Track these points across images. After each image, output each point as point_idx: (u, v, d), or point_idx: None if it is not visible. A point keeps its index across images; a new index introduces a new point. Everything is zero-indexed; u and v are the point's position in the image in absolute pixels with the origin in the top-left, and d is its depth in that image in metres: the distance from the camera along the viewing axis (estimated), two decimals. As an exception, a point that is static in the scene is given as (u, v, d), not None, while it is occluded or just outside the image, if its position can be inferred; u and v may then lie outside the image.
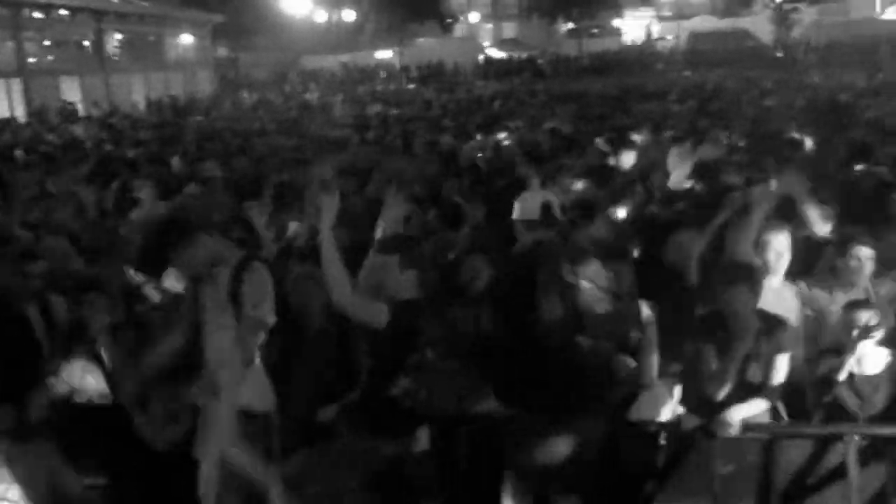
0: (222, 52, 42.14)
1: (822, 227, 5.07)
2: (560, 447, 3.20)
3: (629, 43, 47.37)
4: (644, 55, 41.90)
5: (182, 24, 36.90)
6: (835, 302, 4.42)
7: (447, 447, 3.39)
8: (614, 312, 3.15)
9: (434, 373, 3.40)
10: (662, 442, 3.72)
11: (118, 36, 33.20)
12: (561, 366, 3.12)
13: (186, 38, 37.37)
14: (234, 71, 41.15)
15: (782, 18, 41.29)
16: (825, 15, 44.48)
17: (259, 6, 38.08)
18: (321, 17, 44.72)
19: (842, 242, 4.58)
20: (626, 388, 3.82)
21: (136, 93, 31.02)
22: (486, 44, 49.37)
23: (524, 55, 43.25)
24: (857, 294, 4.40)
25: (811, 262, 4.82)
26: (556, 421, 3.18)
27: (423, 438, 3.15)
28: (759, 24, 42.90)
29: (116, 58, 32.79)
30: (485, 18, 54.43)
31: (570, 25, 46.48)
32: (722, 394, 3.81)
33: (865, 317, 3.89)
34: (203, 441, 3.44)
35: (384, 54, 44.69)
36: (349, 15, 45.54)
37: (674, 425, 3.81)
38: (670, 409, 3.95)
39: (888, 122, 11.83)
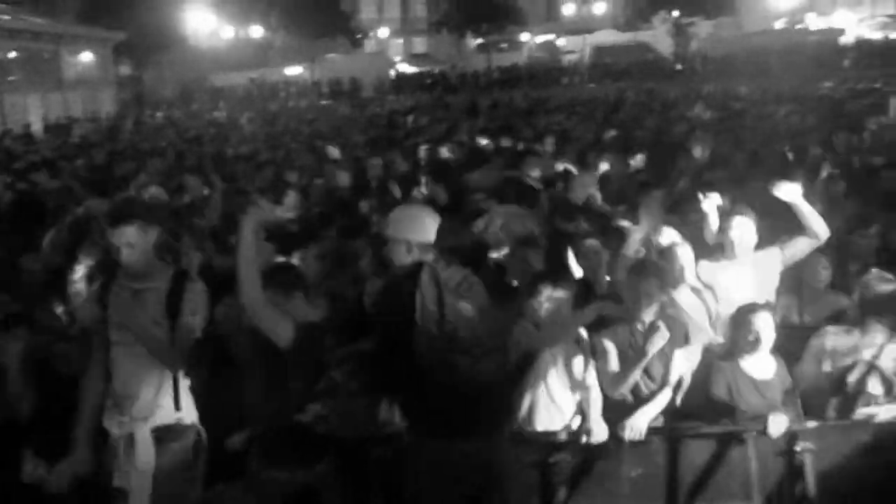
0: (125, 70, 40.81)
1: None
2: (458, 470, 3.22)
3: (537, 56, 48.44)
4: (551, 69, 42.92)
5: (81, 42, 35.53)
6: (724, 272, 4.70)
7: (358, 472, 3.38)
8: (494, 329, 3.18)
9: (343, 396, 3.38)
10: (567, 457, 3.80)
11: (11, 54, 31.70)
12: (440, 387, 3.16)
13: (86, 56, 36.01)
14: (138, 89, 39.90)
15: (680, 32, 43.02)
16: (720, 28, 46.61)
17: (163, 23, 37.05)
18: (228, 33, 43.94)
19: (725, 216, 4.87)
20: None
21: (33, 113, 29.67)
22: (396, 59, 49.53)
23: (435, 69, 43.70)
24: (741, 265, 4.64)
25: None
26: (450, 443, 3.20)
27: (333, 464, 3.12)
28: (659, 38, 44.60)
29: (10, 77, 31.29)
30: (395, 34, 54.65)
31: (480, 40, 47.19)
32: (623, 394, 3.95)
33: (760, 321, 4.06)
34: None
35: (294, 70, 44.23)
36: (257, 31, 44.89)
37: (582, 433, 3.89)
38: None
39: (780, 127, 12.53)
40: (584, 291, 4.62)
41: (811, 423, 3.96)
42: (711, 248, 4.94)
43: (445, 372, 3.12)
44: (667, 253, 4.66)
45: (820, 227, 4.69)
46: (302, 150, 12.83)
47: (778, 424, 3.81)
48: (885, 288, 4.29)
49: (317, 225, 6.19)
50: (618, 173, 8.44)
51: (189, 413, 3.61)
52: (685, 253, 4.69)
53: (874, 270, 4.56)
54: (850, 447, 3.88)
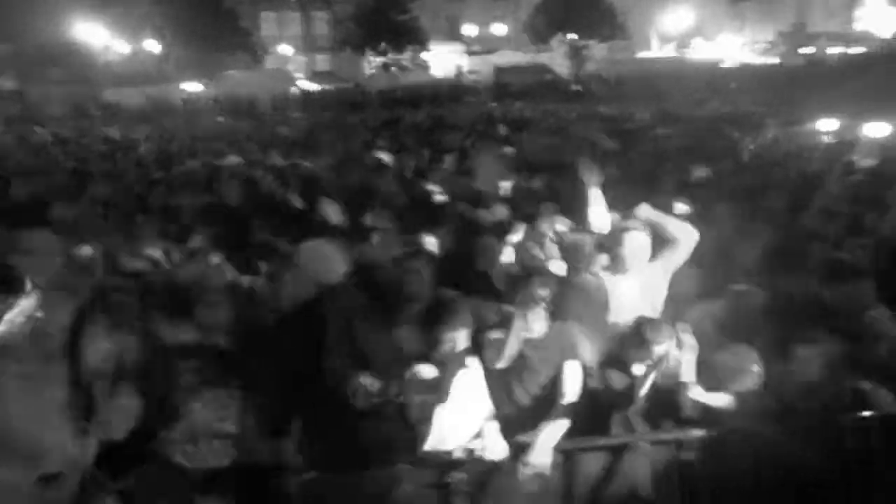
0: (8, 84, 38.79)
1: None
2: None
3: (440, 76, 49.05)
4: (454, 88, 43.53)
5: (-42, 54, 33.65)
6: (617, 285, 4.86)
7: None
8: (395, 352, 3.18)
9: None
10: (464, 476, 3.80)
11: None
12: (345, 416, 3.12)
13: (-37, 70, 34.08)
14: (20, 105, 37.94)
15: (576, 54, 44.51)
16: (614, 51, 48.50)
17: (49, 36, 35.45)
18: (122, 48, 42.47)
19: (618, 231, 5.04)
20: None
21: None
22: (298, 76, 49.07)
23: (338, 87, 43.58)
24: (633, 278, 4.82)
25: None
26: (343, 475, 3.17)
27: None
28: (557, 60, 46.01)
29: None
30: (297, 51, 54.21)
31: (383, 59, 47.39)
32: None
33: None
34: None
35: (192, 87, 43.12)
36: (152, 46, 43.57)
37: (478, 451, 3.91)
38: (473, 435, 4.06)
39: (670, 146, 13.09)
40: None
41: (697, 432, 4.10)
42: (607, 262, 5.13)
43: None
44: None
45: (688, 234, 4.92)
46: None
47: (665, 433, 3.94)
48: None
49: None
50: (519, 190, 8.65)
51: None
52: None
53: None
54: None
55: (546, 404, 4.12)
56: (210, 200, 8.11)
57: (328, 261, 3.45)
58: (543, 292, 4.25)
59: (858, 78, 13.93)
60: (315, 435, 3.19)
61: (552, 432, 3.92)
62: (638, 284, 4.88)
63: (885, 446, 3.64)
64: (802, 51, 48.97)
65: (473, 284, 5.28)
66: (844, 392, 3.95)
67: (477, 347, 4.15)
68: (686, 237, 4.91)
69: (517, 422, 4.08)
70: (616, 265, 4.92)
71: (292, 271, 3.51)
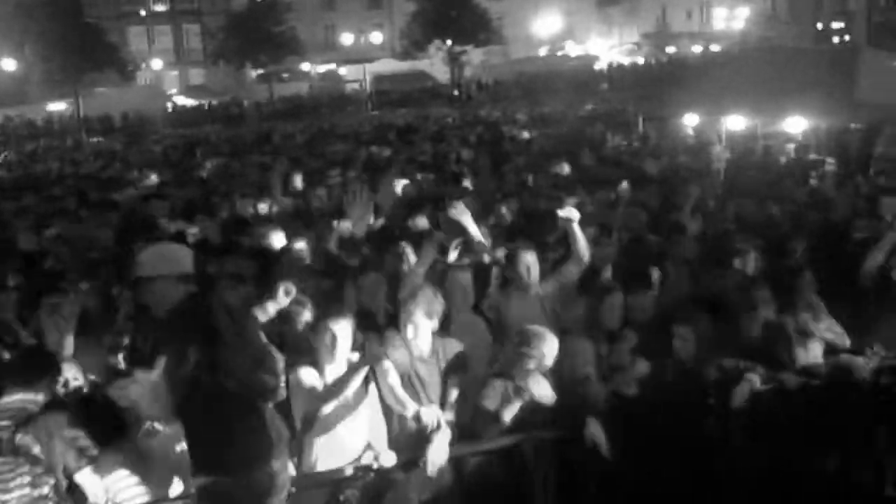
0: None
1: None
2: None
3: (319, 86, 48.63)
4: (334, 98, 43.26)
5: None
6: (513, 302, 4.97)
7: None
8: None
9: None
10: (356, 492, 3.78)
11: None
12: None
13: None
14: None
15: (454, 60, 45.10)
16: (490, 56, 49.46)
17: None
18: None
19: (510, 255, 5.16)
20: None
21: None
22: (172, 91, 47.43)
23: (214, 101, 42.38)
24: (528, 295, 4.93)
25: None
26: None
27: None
28: (436, 66, 46.48)
29: None
30: (168, 65, 52.32)
31: (260, 71, 46.43)
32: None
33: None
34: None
35: (57, 106, 40.84)
36: (9, 64, 40.99)
37: (370, 465, 3.89)
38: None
39: (547, 147, 13.49)
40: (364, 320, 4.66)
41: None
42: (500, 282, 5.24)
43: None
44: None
45: (586, 253, 5.10)
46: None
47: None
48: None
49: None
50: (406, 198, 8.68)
51: None
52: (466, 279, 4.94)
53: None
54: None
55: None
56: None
57: (174, 254, 3.36)
58: (430, 308, 4.27)
59: (718, 74, 14.77)
60: (200, 439, 3.13)
61: (442, 442, 3.93)
62: (536, 302, 5.01)
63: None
64: (667, 50, 51.63)
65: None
66: (715, 370, 4.19)
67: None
68: (584, 255, 5.10)
69: (406, 435, 4.09)
70: (513, 284, 5.05)
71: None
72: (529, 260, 5.02)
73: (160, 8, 52.21)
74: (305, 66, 50.11)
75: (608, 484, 3.91)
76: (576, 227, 5.05)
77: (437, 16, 43.35)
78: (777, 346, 4.31)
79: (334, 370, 3.95)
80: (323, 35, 53.16)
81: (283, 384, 3.19)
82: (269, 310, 3.54)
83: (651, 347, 4.43)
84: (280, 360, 3.14)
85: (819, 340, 4.57)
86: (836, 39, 31.49)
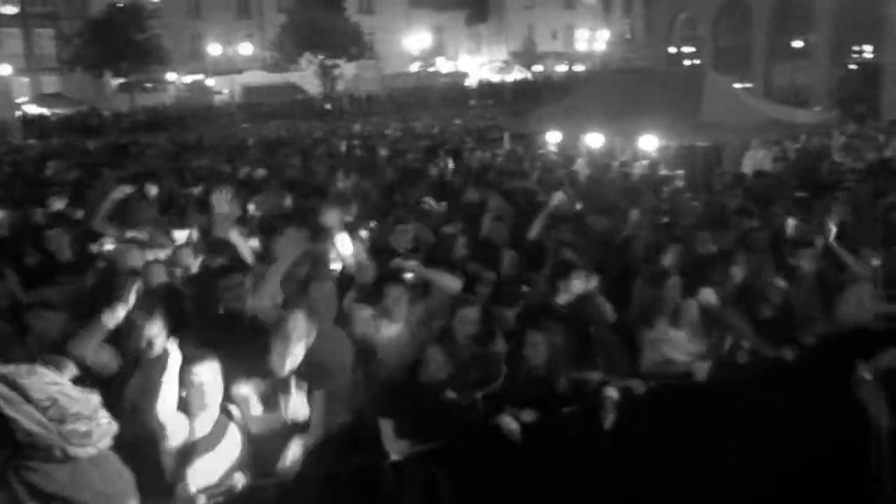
0: None
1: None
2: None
3: (185, 97, 47.07)
4: (201, 109, 41.95)
5: None
6: (384, 331, 5.05)
7: None
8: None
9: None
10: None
11: None
12: None
13: None
14: None
15: (326, 73, 44.85)
16: (363, 70, 49.56)
17: None
18: None
19: (382, 283, 5.25)
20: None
21: None
22: (22, 99, 44.50)
23: (70, 111, 40.08)
24: (397, 324, 5.01)
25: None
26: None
27: None
28: (308, 79, 46.05)
29: None
30: (18, 71, 48.99)
31: (121, 79, 44.30)
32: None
33: None
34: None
35: None
36: None
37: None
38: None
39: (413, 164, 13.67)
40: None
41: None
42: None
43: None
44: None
45: (452, 283, 5.28)
46: None
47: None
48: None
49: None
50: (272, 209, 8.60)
51: None
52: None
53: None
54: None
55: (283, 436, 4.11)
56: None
57: None
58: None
59: (580, 93, 15.51)
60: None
61: (296, 447, 3.92)
62: (405, 328, 5.08)
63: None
64: (534, 68, 53.51)
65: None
66: (563, 379, 4.39)
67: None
68: (452, 285, 5.25)
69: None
70: (384, 313, 5.10)
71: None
72: (398, 291, 5.10)
73: (9, 10, 48.83)
74: (171, 76, 48.32)
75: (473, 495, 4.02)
76: (427, 273, 5.32)
77: (308, 28, 42.99)
78: (614, 351, 4.60)
79: (206, 417, 3.82)
80: (189, 44, 51.38)
81: (99, 424, 2.97)
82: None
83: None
84: (84, 401, 2.87)
85: (671, 343, 4.92)
86: (687, 62, 33.59)
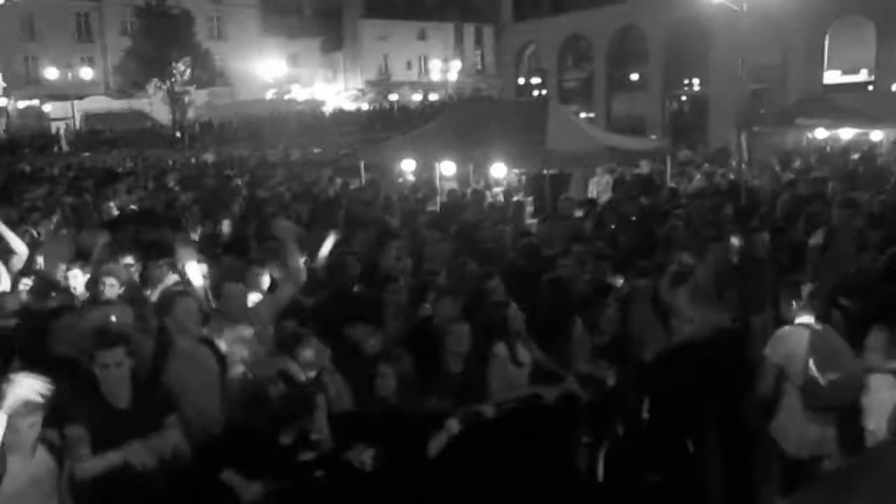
0: None
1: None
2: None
3: (19, 124, 43.98)
4: (36, 137, 39.28)
5: None
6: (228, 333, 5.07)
7: None
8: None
9: None
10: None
11: None
12: None
13: None
14: None
15: (176, 100, 43.25)
16: (215, 97, 48.22)
17: None
18: None
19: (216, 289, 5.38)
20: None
21: None
22: None
23: None
24: (242, 328, 4.97)
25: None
26: None
27: None
28: (156, 106, 44.22)
29: None
30: None
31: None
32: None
33: None
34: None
35: None
36: None
37: None
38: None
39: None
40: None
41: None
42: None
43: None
44: None
45: (300, 275, 5.46)
46: None
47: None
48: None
49: None
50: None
51: None
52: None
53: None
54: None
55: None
56: None
57: None
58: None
59: (434, 122, 15.82)
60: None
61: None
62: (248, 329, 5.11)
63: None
64: (390, 97, 54.09)
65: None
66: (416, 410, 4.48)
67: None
68: (297, 276, 5.46)
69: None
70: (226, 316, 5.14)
71: None
72: (234, 290, 5.22)
73: None
74: (1, 102, 45.00)
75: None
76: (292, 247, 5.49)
77: (155, 53, 41.36)
78: (477, 376, 4.72)
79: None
80: (23, 67, 48.05)
81: None
82: None
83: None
84: None
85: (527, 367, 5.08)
86: (535, 93, 35.14)
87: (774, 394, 4.52)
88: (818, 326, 4.51)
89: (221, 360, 4.72)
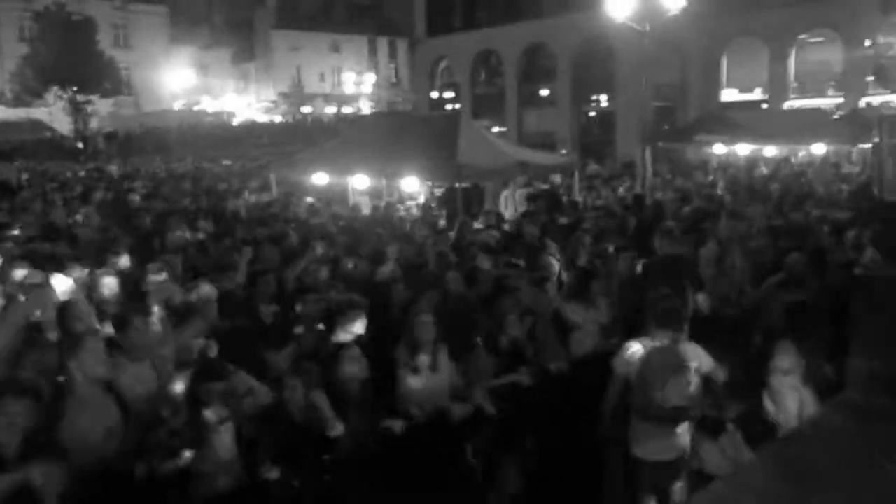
0: None
1: None
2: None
3: None
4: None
5: None
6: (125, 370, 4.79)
7: None
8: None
9: None
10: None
11: None
12: None
13: None
14: None
15: (78, 110, 41.58)
16: (120, 107, 46.65)
17: None
18: None
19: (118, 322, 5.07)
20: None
21: None
22: None
23: None
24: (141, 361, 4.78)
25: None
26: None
27: None
28: (56, 115, 42.36)
29: None
30: None
31: None
32: None
33: None
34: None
35: None
36: None
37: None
38: None
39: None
40: None
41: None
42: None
43: None
44: None
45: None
46: None
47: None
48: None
49: None
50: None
51: None
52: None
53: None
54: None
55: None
56: None
57: None
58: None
59: (347, 135, 15.75)
60: None
61: None
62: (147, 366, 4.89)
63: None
64: (303, 109, 53.61)
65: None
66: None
67: None
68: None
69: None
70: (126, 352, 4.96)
71: None
72: (142, 325, 4.99)
73: None
74: None
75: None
76: None
77: (54, 60, 39.66)
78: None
79: None
80: None
81: None
82: None
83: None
84: None
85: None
86: (449, 107, 35.47)
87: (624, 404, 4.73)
88: (660, 344, 4.66)
89: (124, 405, 4.46)
